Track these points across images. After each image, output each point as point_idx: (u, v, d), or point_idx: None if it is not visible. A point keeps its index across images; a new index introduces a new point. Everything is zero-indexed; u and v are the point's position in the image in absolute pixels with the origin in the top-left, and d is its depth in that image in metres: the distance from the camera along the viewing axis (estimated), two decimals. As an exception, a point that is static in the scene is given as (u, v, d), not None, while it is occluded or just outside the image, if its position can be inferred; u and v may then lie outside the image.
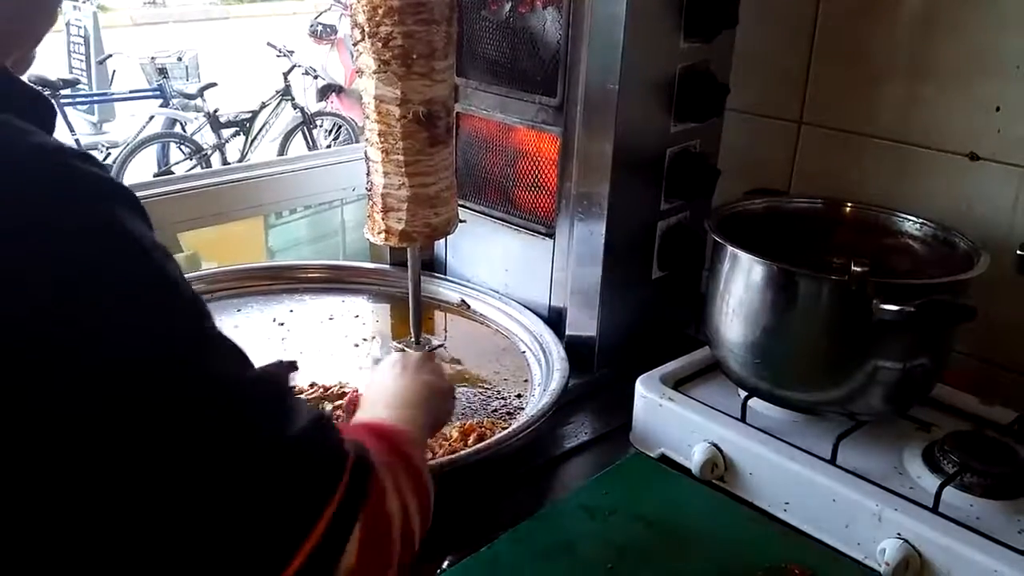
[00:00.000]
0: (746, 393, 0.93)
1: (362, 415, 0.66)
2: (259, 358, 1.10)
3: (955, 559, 0.74)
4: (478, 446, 0.87)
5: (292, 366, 0.91)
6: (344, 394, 0.97)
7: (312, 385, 1.01)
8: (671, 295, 1.19)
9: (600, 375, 1.11)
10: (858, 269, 0.80)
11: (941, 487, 0.80)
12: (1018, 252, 0.74)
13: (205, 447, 0.45)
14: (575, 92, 1.07)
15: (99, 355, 0.43)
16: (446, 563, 0.75)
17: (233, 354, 0.49)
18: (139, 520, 0.43)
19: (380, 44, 1.00)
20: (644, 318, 1.16)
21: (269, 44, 5.09)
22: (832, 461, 0.85)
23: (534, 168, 1.18)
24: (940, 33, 1.05)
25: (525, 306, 1.18)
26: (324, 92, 5.19)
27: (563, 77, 1.08)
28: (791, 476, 0.84)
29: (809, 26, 1.16)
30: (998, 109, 1.01)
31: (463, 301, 1.24)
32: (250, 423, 0.47)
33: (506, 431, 0.90)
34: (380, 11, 0.98)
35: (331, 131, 5.17)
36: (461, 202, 1.16)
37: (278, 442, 0.47)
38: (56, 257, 0.43)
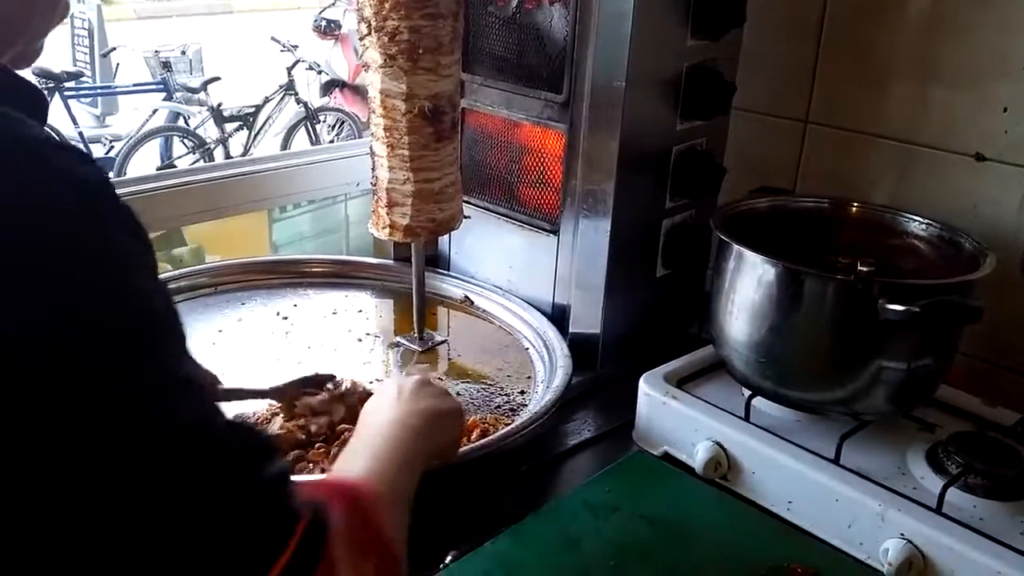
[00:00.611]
0: (750, 392, 0.93)
1: (341, 463, 0.62)
2: (263, 352, 1.10)
3: (958, 560, 0.74)
4: (481, 442, 0.87)
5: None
6: (358, 392, 0.94)
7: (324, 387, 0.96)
8: (675, 293, 1.19)
9: (603, 372, 1.11)
10: (864, 269, 0.80)
11: (945, 488, 0.80)
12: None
13: (152, 493, 0.43)
14: (581, 89, 1.06)
15: (31, 368, 0.41)
16: (448, 559, 0.75)
17: (188, 394, 0.46)
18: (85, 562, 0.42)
19: (386, 38, 0.99)
20: (648, 316, 1.16)
21: (273, 39, 5.09)
22: (836, 461, 0.84)
23: (539, 164, 1.18)
24: (947, 33, 1.05)
25: (529, 303, 1.18)
26: (327, 87, 5.19)
27: (569, 73, 1.07)
28: (794, 475, 0.84)
29: (816, 25, 1.16)
30: (1005, 110, 1.01)
31: (466, 297, 1.24)
32: (202, 476, 0.45)
33: (509, 427, 0.89)
34: (387, 5, 0.98)
35: (334, 126, 5.17)
36: (466, 198, 1.16)
37: (230, 499, 0.45)
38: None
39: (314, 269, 1.30)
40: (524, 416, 0.93)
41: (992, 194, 1.04)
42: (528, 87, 1.14)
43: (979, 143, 1.04)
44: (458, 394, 1.02)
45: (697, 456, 0.89)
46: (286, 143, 4.94)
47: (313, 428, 0.87)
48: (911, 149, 1.10)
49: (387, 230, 1.08)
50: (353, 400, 0.90)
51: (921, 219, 0.99)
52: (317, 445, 0.86)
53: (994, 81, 1.02)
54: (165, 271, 1.24)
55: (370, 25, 1.01)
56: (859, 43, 1.13)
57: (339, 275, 1.29)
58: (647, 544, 0.77)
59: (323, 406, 0.88)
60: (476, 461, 0.84)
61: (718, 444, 0.89)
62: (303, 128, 4.98)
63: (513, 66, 1.16)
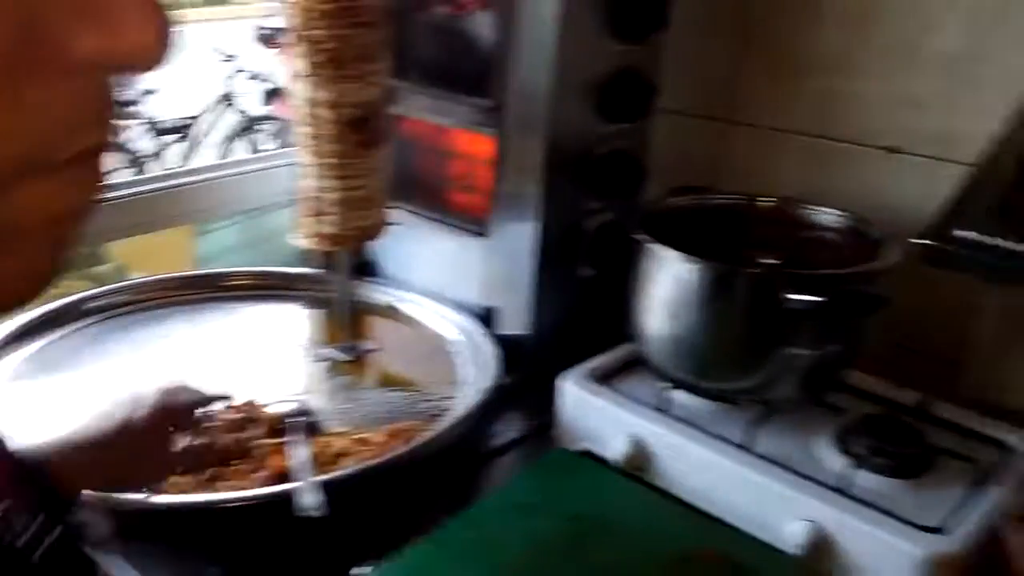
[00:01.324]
0: (668, 385, 0.95)
1: None
2: (189, 371, 1.09)
3: (864, 538, 0.77)
4: (404, 449, 0.86)
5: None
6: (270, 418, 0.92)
7: (235, 407, 0.94)
8: (604, 293, 1.20)
9: (533, 373, 1.12)
10: (769, 262, 0.83)
11: (851, 469, 0.83)
12: (912, 241, 0.77)
13: None
14: (509, 94, 1.08)
15: None
16: (361, 569, 0.74)
17: None
18: None
19: (312, 47, 1.00)
20: (577, 316, 1.17)
21: (212, 49, 5.03)
22: (748, 448, 0.87)
23: (468, 169, 1.19)
24: (862, 30, 1.09)
25: (459, 307, 1.19)
26: (269, 96, 5.15)
27: (497, 79, 1.08)
28: (709, 464, 0.86)
29: (739, 28, 1.20)
30: (915, 104, 1.06)
31: (394, 304, 1.24)
32: None
33: (433, 432, 0.90)
34: (312, 14, 0.98)
35: (276, 135, 5.13)
36: (395, 204, 1.16)
37: None
38: None
39: (239, 282, 1.28)
40: (449, 419, 0.93)
41: (903, 186, 1.08)
42: (458, 93, 1.15)
43: (891, 136, 1.08)
44: (386, 402, 1.02)
45: (617, 450, 0.91)
46: (225, 154, 4.88)
47: (223, 444, 0.86)
48: (827, 144, 1.14)
49: (313, 239, 1.08)
50: (268, 416, 0.90)
51: (833, 211, 1.02)
52: (233, 463, 0.85)
53: (905, 76, 1.06)
54: (83, 290, 1.21)
55: (296, 34, 1.01)
56: (779, 43, 1.16)
57: (266, 287, 1.27)
58: (566, 540, 0.78)
59: (234, 424, 0.88)
60: (400, 468, 0.84)
61: (637, 438, 0.91)
62: (241, 138, 4.93)
63: (443, 72, 1.17)
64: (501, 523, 0.79)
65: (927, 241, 0.71)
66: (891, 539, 0.75)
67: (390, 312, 1.24)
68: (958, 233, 0.70)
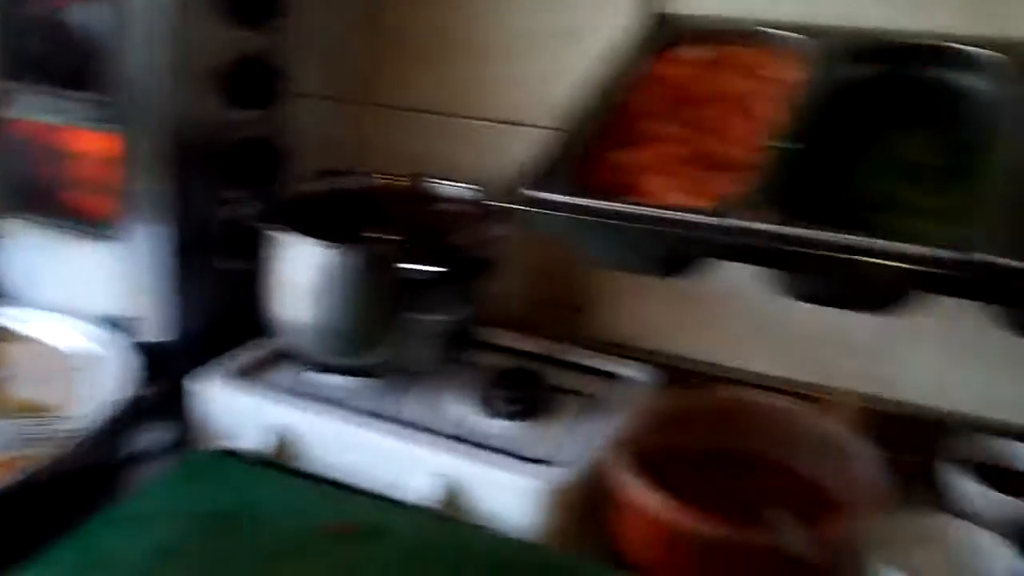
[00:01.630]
0: (309, 369, 0.95)
1: None
2: None
3: (487, 481, 0.83)
4: (17, 478, 0.79)
5: None
6: None
7: None
8: (248, 287, 1.18)
9: (177, 379, 1.07)
10: (382, 237, 0.87)
11: (484, 419, 0.90)
12: (485, 203, 0.83)
13: None
14: (128, 88, 1.01)
15: None
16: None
17: None
18: None
19: None
20: (225, 313, 1.14)
21: None
22: (388, 417, 0.90)
23: (91, 170, 1.10)
24: (480, 15, 1.17)
25: (94, 319, 1.10)
26: None
27: (111, 72, 1.01)
28: (350, 439, 0.88)
29: (368, 12, 1.22)
30: (529, 81, 1.15)
31: (9, 325, 1.11)
32: None
33: (43, 458, 0.83)
34: None
35: None
36: (9, 215, 1.05)
37: None
38: None
39: None
40: (76, 439, 0.87)
41: (519, 155, 1.18)
42: (71, 89, 1.05)
43: (516, 111, 1.17)
44: (2, 432, 0.92)
45: (260, 443, 0.90)
46: None
47: None
48: (454, 121, 1.22)
49: None
50: None
51: (458, 185, 1.09)
52: None
53: (520, 55, 1.15)
54: None
55: None
56: (406, 28, 1.21)
57: None
58: (199, 544, 0.75)
59: None
60: (14, 496, 0.77)
61: (280, 426, 0.91)
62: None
63: (53, 69, 1.06)
64: (119, 538, 0.74)
65: (495, 203, 0.76)
66: (508, 476, 0.82)
67: (7, 334, 1.10)
68: (525, 192, 0.77)
